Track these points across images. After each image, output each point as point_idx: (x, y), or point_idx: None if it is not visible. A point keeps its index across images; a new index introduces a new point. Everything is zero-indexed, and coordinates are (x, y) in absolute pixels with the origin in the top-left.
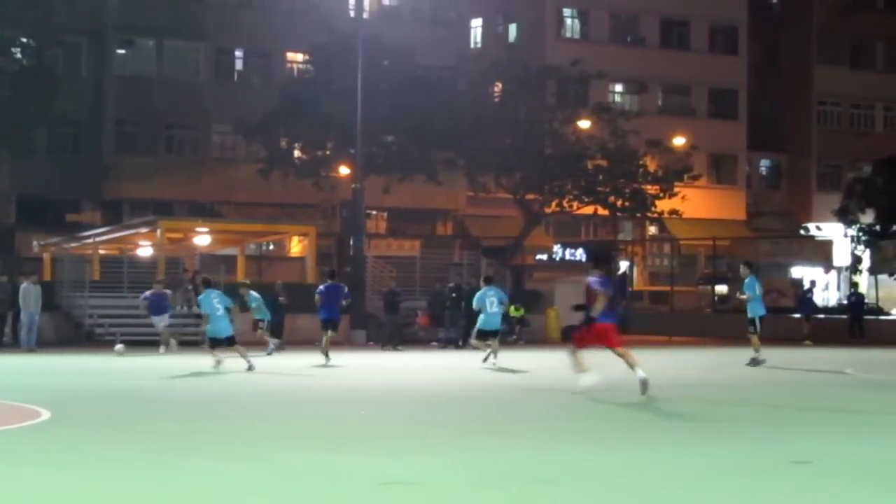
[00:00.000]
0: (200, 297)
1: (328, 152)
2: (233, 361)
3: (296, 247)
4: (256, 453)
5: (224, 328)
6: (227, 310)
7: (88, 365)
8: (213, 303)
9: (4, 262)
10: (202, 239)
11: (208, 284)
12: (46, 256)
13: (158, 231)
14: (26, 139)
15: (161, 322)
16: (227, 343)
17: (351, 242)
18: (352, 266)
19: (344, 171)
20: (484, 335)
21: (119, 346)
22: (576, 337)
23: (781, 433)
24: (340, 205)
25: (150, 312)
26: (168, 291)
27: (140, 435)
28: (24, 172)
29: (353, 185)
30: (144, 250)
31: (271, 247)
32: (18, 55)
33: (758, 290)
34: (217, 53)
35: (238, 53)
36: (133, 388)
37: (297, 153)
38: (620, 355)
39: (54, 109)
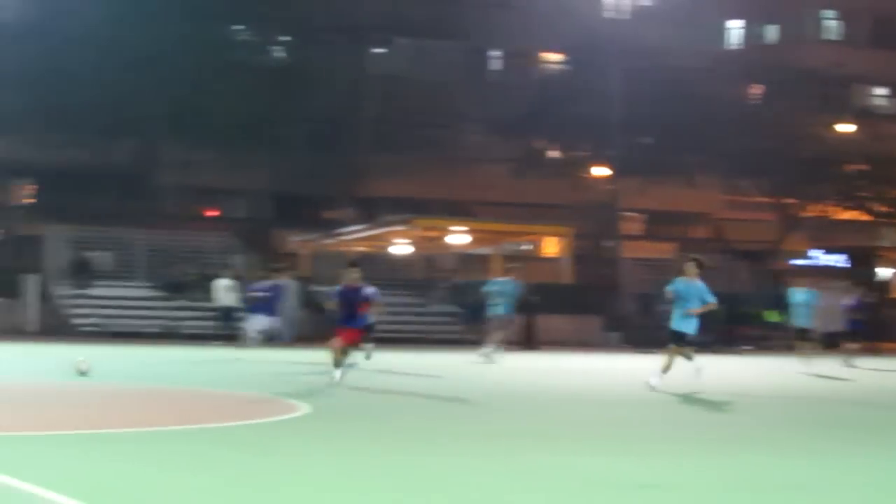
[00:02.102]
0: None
1: (583, 153)
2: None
3: (550, 247)
4: (507, 452)
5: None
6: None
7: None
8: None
9: (263, 258)
10: (456, 238)
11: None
12: (303, 253)
13: (413, 229)
14: (284, 137)
15: (257, 325)
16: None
17: (605, 244)
18: (605, 268)
19: (599, 171)
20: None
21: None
22: None
23: None
24: (595, 206)
25: (251, 311)
26: (281, 285)
27: (395, 430)
28: (281, 170)
29: (608, 187)
30: (399, 248)
31: (525, 247)
32: (277, 54)
33: None
34: (473, 53)
35: (494, 53)
36: (387, 384)
37: (551, 153)
38: None
39: (311, 108)
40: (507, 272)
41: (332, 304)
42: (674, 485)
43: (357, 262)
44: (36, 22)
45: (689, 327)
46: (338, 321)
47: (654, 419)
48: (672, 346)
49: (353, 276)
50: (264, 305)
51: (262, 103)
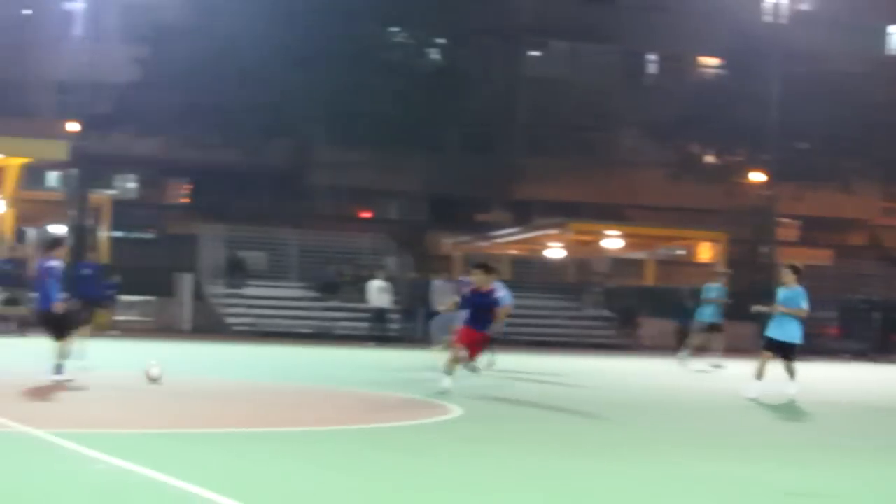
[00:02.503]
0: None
1: (739, 158)
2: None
3: (704, 252)
4: (657, 459)
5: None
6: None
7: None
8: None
9: (416, 260)
10: (610, 242)
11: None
12: (457, 255)
13: (567, 233)
14: (438, 139)
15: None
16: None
17: (760, 250)
18: (761, 274)
19: (755, 177)
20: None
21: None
22: None
23: None
24: (750, 211)
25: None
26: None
27: (547, 434)
28: (435, 172)
29: (763, 192)
30: (553, 251)
31: (679, 252)
32: (433, 56)
33: None
34: (629, 56)
35: (650, 57)
36: (539, 388)
37: (707, 158)
38: None
39: (466, 110)
40: (716, 277)
41: (449, 306)
42: (827, 494)
43: (484, 264)
44: (194, 23)
45: (791, 335)
46: (464, 323)
47: (803, 427)
48: (765, 353)
49: (479, 279)
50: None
51: (417, 105)
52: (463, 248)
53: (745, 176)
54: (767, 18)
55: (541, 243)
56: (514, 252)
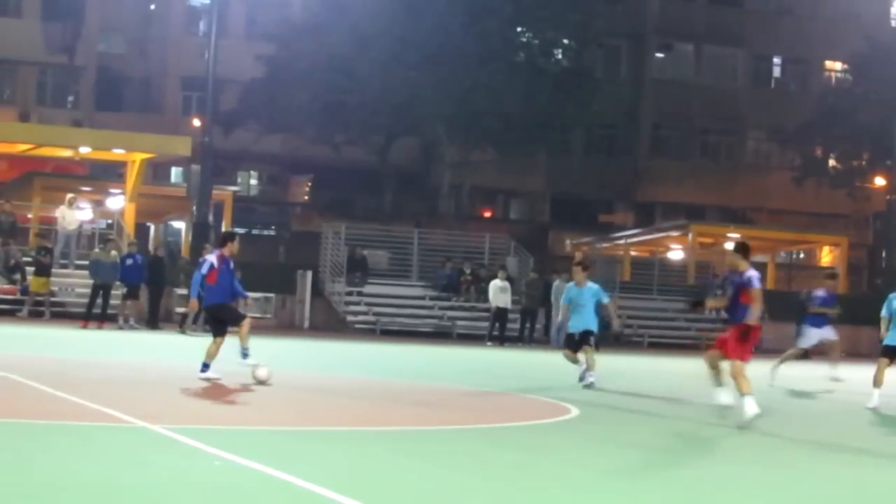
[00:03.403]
0: None
1: (864, 163)
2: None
3: (826, 256)
4: (790, 463)
5: None
6: None
7: (615, 365)
8: None
9: (538, 260)
10: (732, 244)
11: None
12: (578, 256)
13: (690, 235)
14: (563, 140)
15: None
16: None
17: (884, 254)
18: (884, 278)
19: (879, 181)
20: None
21: None
22: None
23: None
24: (874, 216)
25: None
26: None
27: (666, 438)
28: (559, 172)
29: (888, 197)
30: (675, 253)
31: (801, 255)
32: (560, 57)
33: None
34: (755, 60)
35: (776, 60)
36: (659, 389)
37: (831, 162)
38: None
39: (592, 111)
40: (825, 282)
41: (717, 303)
42: None
43: (585, 262)
44: (319, 21)
45: None
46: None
47: None
48: (881, 360)
49: (578, 278)
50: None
51: (542, 105)
52: (583, 249)
53: (869, 180)
54: (894, 23)
55: (663, 245)
56: (635, 253)
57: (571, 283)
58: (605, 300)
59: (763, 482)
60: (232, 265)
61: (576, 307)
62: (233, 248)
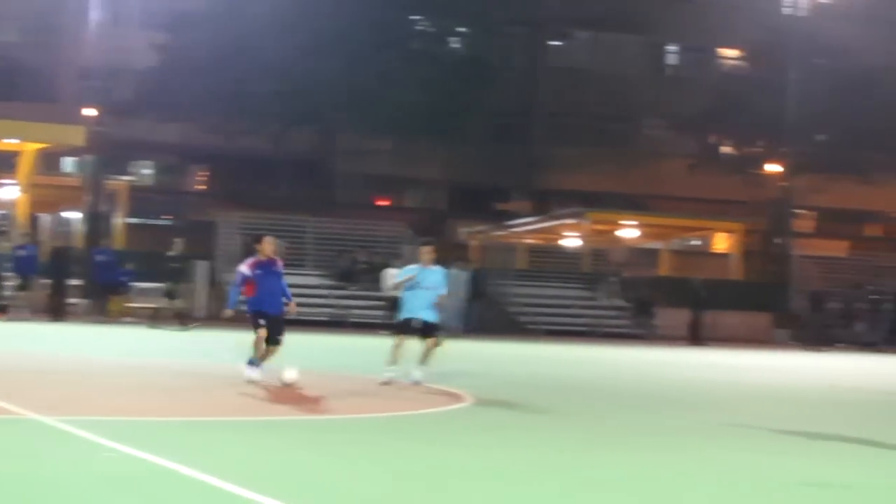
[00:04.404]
0: None
1: (759, 149)
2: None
3: (721, 243)
4: (672, 448)
5: None
6: None
7: (513, 352)
8: None
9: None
10: (628, 232)
11: None
12: (474, 243)
13: (585, 222)
14: (460, 128)
15: None
16: None
17: (777, 241)
18: (777, 265)
19: (773, 168)
20: None
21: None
22: None
23: None
24: (768, 203)
25: None
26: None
27: (562, 423)
28: (456, 160)
29: (782, 184)
30: (570, 241)
31: (696, 242)
32: (456, 45)
33: None
34: (651, 47)
35: (672, 48)
36: (557, 376)
37: (727, 149)
38: None
39: (488, 99)
40: None
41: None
42: (840, 485)
43: (433, 243)
44: (214, 10)
45: None
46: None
47: (821, 417)
48: None
49: (425, 258)
50: None
51: (440, 94)
52: (480, 237)
53: (764, 167)
54: (788, 10)
55: (559, 232)
56: (531, 241)
57: (414, 266)
58: (442, 291)
59: (646, 466)
60: (277, 267)
61: (415, 288)
62: (265, 248)
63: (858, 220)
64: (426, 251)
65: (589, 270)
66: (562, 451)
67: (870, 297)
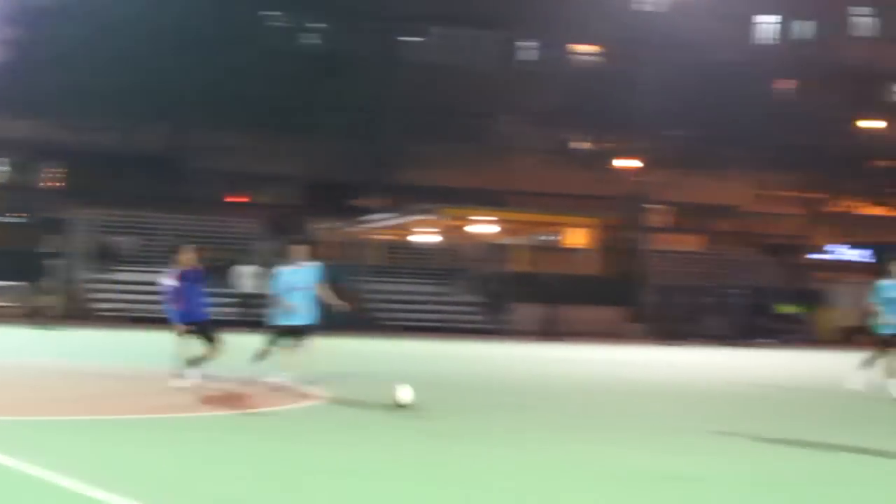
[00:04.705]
0: None
1: (614, 145)
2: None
3: (576, 239)
4: (525, 442)
5: None
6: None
7: (368, 349)
8: None
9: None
10: (482, 227)
11: None
12: (331, 240)
13: (441, 218)
14: (316, 124)
15: None
16: None
17: (632, 236)
18: (632, 259)
19: (630, 163)
20: None
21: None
22: None
23: None
24: (624, 198)
25: None
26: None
27: (417, 419)
28: (313, 157)
29: (637, 179)
30: (426, 236)
31: (550, 238)
32: (312, 41)
33: None
34: (506, 42)
35: (529, 43)
36: (413, 373)
37: (584, 144)
38: None
39: (345, 95)
40: None
41: None
42: (699, 478)
43: (305, 238)
44: (68, 4)
45: None
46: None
47: (674, 411)
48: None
49: (299, 255)
50: None
51: (296, 90)
52: (337, 234)
53: (620, 163)
54: (643, 7)
55: (414, 229)
56: (388, 237)
57: (287, 268)
58: (317, 287)
59: (499, 460)
60: (198, 275)
61: (290, 289)
62: (184, 258)
63: (712, 214)
64: (300, 249)
65: (444, 266)
66: (417, 448)
67: (723, 291)
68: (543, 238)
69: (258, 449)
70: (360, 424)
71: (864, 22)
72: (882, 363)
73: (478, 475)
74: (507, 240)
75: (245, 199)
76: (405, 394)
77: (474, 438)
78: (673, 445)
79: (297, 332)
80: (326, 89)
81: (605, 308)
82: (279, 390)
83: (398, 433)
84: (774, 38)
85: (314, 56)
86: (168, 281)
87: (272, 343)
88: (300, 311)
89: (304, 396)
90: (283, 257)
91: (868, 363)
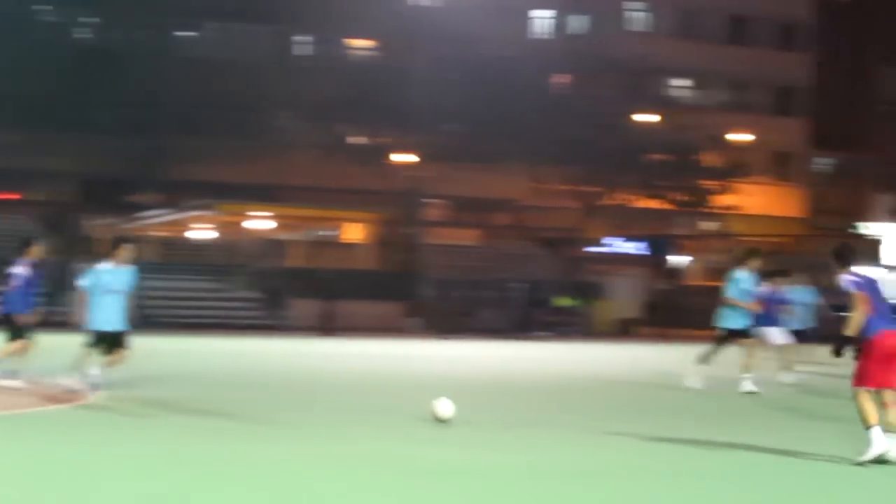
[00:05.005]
0: None
1: (390, 139)
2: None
3: (353, 233)
4: (299, 439)
5: None
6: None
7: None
8: None
9: (65, 242)
10: (258, 223)
11: None
12: (104, 236)
13: (217, 214)
14: (89, 119)
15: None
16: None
17: (408, 230)
18: (408, 254)
19: (405, 158)
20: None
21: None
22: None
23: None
24: (400, 192)
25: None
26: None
27: (190, 417)
28: (86, 153)
29: (413, 173)
30: (203, 233)
31: (327, 232)
32: (84, 35)
33: None
34: (282, 37)
35: (303, 37)
36: (189, 370)
37: (359, 139)
38: None
39: (118, 90)
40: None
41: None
42: (465, 470)
43: (125, 237)
44: None
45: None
46: None
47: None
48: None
49: (123, 256)
50: None
51: (68, 84)
52: (110, 230)
53: (396, 157)
54: (418, 1)
55: (189, 224)
56: (162, 233)
57: (105, 266)
58: (130, 291)
59: (279, 457)
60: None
61: (103, 292)
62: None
63: (488, 208)
64: (124, 249)
65: (220, 262)
66: (189, 445)
67: (501, 285)
68: (321, 233)
69: (21, 450)
70: (131, 423)
71: (638, 17)
72: (718, 359)
73: (253, 471)
74: (285, 235)
75: (16, 196)
76: (445, 408)
77: (250, 434)
78: (453, 439)
79: (111, 339)
80: (100, 84)
81: (383, 303)
82: (29, 385)
83: (170, 432)
84: (550, 33)
85: (87, 50)
86: (18, 269)
87: (91, 346)
88: (114, 315)
89: (72, 396)
90: (57, 254)
91: (704, 359)
